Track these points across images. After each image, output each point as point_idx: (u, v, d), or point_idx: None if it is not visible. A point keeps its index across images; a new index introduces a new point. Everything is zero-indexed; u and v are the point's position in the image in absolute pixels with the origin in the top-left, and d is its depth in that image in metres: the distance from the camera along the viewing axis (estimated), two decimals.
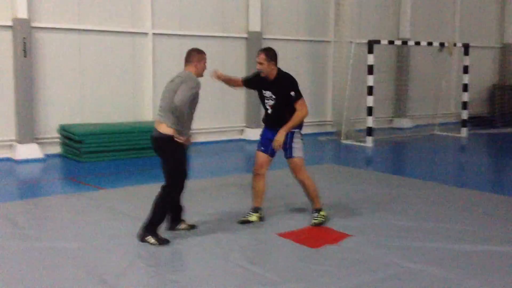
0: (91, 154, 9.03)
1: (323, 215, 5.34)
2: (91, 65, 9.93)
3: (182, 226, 5.23)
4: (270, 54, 5.25)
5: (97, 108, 10.00)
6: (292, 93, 5.20)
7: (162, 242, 4.79)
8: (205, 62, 5.33)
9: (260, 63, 5.26)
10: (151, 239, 4.80)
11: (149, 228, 4.85)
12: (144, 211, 5.85)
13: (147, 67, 10.52)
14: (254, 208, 5.55)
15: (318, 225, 5.23)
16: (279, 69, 5.36)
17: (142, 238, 4.84)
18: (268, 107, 5.41)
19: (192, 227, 5.26)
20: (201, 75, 5.26)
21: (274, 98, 5.31)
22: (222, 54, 11.51)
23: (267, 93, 5.35)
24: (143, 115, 10.54)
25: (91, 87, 9.96)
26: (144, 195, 6.65)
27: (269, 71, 5.25)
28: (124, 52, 10.28)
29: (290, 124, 5.22)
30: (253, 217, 5.50)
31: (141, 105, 10.54)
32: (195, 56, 5.28)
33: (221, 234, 5.16)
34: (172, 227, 5.19)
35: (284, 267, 4.38)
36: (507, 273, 4.31)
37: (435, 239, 5.08)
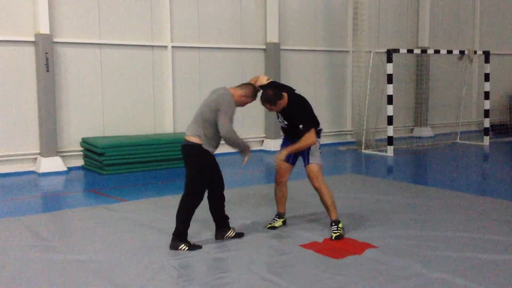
0: (112, 166, 9.12)
1: (341, 228, 5.28)
2: (112, 79, 10.06)
3: (230, 233, 5.29)
4: (272, 98, 5.22)
5: (118, 121, 10.12)
6: (301, 126, 5.18)
7: (194, 247, 4.96)
8: (247, 103, 5.37)
9: (270, 110, 5.32)
10: (182, 246, 4.95)
11: (178, 237, 4.98)
12: (166, 222, 5.91)
13: (166, 80, 10.62)
14: (279, 213, 5.75)
15: (338, 238, 5.17)
16: (289, 96, 5.36)
17: (175, 248, 4.96)
18: (283, 124, 5.54)
19: (240, 235, 5.33)
20: (238, 105, 5.27)
21: (286, 123, 5.42)
22: (240, 66, 11.58)
23: (280, 118, 5.47)
24: (163, 128, 10.63)
25: (112, 101, 10.08)
26: (165, 206, 6.72)
27: (280, 108, 5.28)
28: (144, 65, 10.40)
29: (295, 146, 5.23)
30: (279, 223, 5.71)
31: (161, 117, 10.63)
32: (249, 90, 5.27)
33: (244, 245, 5.16)
34: (220, 235, 5.28)
35: (307, 279, 4.35)
36: None
37: (459, 249, 5.01)
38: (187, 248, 4.94)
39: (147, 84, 10.47)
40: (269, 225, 5.68)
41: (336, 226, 5.21)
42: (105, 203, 7.05)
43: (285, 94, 5.30)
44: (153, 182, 8.53)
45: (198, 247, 4.99)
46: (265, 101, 5.26)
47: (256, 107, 11.74)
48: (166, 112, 10.67)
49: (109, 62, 10.03)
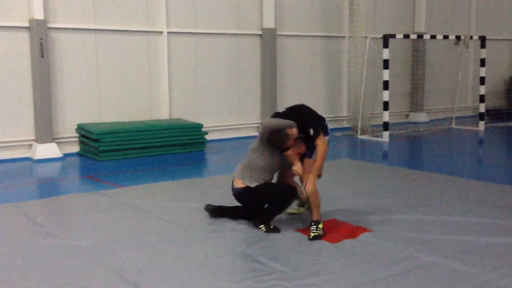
0: (108, 152, 9.12)
1: (321, 228, 5.03)
2: (107, 65, 10.02)
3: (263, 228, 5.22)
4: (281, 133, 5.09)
5: (114, 107, 10.09)
6: (311, 131, 5.10)
7: (273, 230, 5.13)
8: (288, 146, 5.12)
9: (293, 142, 5.12)
10: (262, 226, 5.15)
11: (263, 219, 5.20)
12: (163, 208, 5.94)
13: (162, 66, 10.58)
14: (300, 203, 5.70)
15: (316, 238, 4.92)
16: (302, 116, 5.33)
17: (256, 226, 5.20)
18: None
19: (276, 230, 5.22)
20: (274, 144, 5.12)
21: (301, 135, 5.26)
22: (236, 52, 11.54)
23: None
24: (159, 114, 10.61)
25: (108, 86, 10.05)
26: (162, 192, 6.74)
27: (295, 133, 5.15)
28: (139, 51, 10.35)
29: (317, 164, 5.06)
30: (301, 210, 5.72)
31: (157, 103, 10.60)
32: (287, 137, 5.07)
33: (240, 231, 5.19)
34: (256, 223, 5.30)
35: (303, 262, 4.39)
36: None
37: (454, 233, 5.05)
38: (265, 230, 5.09)
39: (143, 70, 10.42)
40: (291, 211, 5.66)
41: (315, 226, 5.00)
42: (101, 189, 7.06)
43: (289, 121, 5.14)
44: (150, 168, 8.54)
45: (276, 230, 5.10)
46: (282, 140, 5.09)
47: (252, 92, 11.81)
48: (162, 98, 10.64)
49: (105, 48, 9.97)
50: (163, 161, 9.11)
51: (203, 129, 10.21)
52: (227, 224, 5.36)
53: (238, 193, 5.24)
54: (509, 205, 6.04)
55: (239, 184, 5.21)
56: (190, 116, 10.81)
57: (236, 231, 5.16)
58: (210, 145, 10.38)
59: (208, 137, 10.34)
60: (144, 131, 9.53)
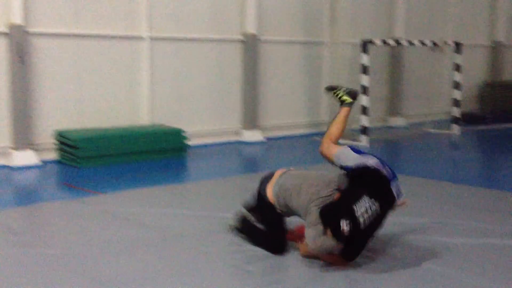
0: (87, 159, 9.05)
1: None
2: (88, 70, 9.95)
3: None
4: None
5: (94, 113, 10.02)
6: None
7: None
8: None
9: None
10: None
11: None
12: (145, 215, 5.92)
13: (143, 71, 10.55)
14: None
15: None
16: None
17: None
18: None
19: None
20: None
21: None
22: (218, 57, 11.57)
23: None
24: (140, 119, 10.58)
25: (88, 92, 9.97)
26: (142, 198, 6.71)
27: None
28: (120, 56, 10.31)
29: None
30: None
31: (138, 109, 10.56)
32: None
33: (217, 235, 5.20)
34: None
35: (277, 267, 4.44)
36: (505, 265, 4.38)
37: (430, 234, 5.15)
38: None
39: (124, 75, 10.38)
40: None
41: None
42: (80, 196, 6.98)
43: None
44: (130, 175, 8.51)
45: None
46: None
47: (233, 97, 11.85)
48: (143, 103, 10.61)
49: (85, 53, 9.90)
50: (144, 167, 9.08)
51: (184, 135, 10.22)
52: (207, 230, 5.37)
53: (262, 197, 4.76)
54: (485, 207, 6.18)
55: (270, 194, 4.68)
56: (172, 121, 10.80)
57: (214, 236, 5.17)
58: (191, 151, 10.39)
59: (189, 142, 10.35)
60: (125, 137, 9.49)
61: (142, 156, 9.56)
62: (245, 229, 4.95)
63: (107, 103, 10.19)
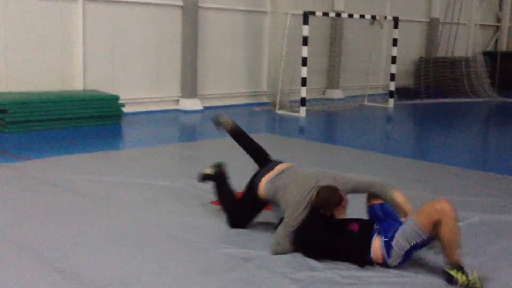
0: (17, 124, 8.66)
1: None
2: (16, 31, 9.43)
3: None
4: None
5: (24, 77, 9.56)
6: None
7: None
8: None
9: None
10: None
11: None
12: (74, 182, 5.75)
13: (76, 34, 10.12)
14: None
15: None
16: None
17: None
18: None
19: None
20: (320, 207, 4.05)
21: None
22: (156, 22, 11.26)
23: None
24: (73, 84, 10.20)
25: (18, 54, 9.48)
26: (73, 165, 6.50)
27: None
28: (52, 17, 9.82)
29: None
30: None
31: (71, 73, 10.16)
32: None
33: (153, 201, 5.15)
34: None
35: (215, 233, 4.44)
36: None
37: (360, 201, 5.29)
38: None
39: (56, 38, 9.92)
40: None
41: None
42: (8, 161, 6.69)
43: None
44: (61, 141, 8.22)
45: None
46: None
47: (172, 65, 11.62)
48: (76, 68, 10.21)
49: (14, 13, 9.37)
50: (77, 133, 8.79)
51: (120, 101, 9.94)
52: (145, 199, 5.29)
53: (252, 189, 4.52)
54: (416, 177, 6.41)
55: (262, 188, 4.42)
56: (106, 87, 10.47)
57: (151, 205, 5.12)
58: (127, 118, 10.15)
59: (125, 109, 10.09)
60: (56, 102, 9.13)
61: (75, 122, 9.26)
62: (218, 182, 4.78)
63: (38, 66, 9.74)
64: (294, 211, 4.03)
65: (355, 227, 3.89)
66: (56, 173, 6.06)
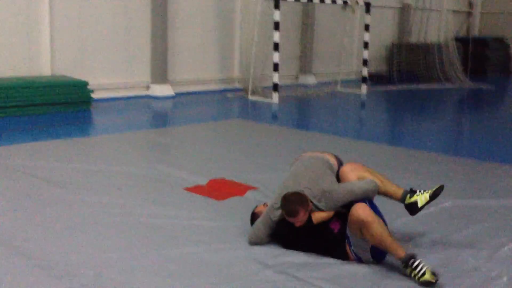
0: None
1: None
2: None
3: None
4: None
5: None
6: None
7: None
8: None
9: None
10: None
11: None
12: (41, 168, 5.60)
13: (43, 19, 9.81)
14: None
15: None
16: None
17: None
18: None
19: None
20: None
21: None
22: (126, 7, 11.01)
23: None
24: (40, 70, 9.92)
25: None
26: (40, 151, 6.35)
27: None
28: (18, 3, 9.50)
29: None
30: None
31: (38, 58, 9.87)
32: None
33: (126, 189, 5.05)
34: None
35: (190, 219, 4.37)
36: (404, 217, 4.56)
37: None
38: None
39: (22, 23, 9.61)
40: None
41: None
42: None
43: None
44: (28, 128, 8.00)
45: None
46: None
47: (142, 50, 11.41)
48: (44, 53, 9.93)
49: None
50: (45, 120, 8.57)
51: (89, 87, 9.72)
52: (114, 185, 5.19)
53: None
54: (389, 163, 6.42)
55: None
56: (75, 73, 10.22)
57: (123, 191, 5.01)
58: (97, 104, 9.94)
59: (94, 95, 9.87)
60: (24, 88, 8.87)
61: (42, 108, 9.02)
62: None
63: (4, 52, 9.43)
64: (272, 202, 3.98)
65: (335, 226, 3.79)
66: (24, 160, 5.91)
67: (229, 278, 3.41)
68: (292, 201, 3.75)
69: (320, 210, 3.83)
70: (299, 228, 3.79)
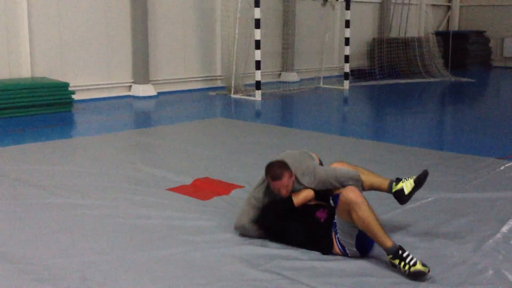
0: None
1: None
2: None
3: None
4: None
5: None
6: None
7: None
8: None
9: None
10: None
11: None
12: (22, 171, 5.51)
13: (22, 21, 9.66)
14: None
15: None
16: None
17: None
18: None
19: None
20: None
21: None
22: (106, 7, 10.90)
23: None
24: (19, 72, 9.78)
25: None
26: (22, 154, 6.26)
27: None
28: None
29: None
30: None
31: (17, 60, 9.74)
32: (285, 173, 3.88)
33: (110, 190, 5.00)
34: None
35: (174, 220, 4.34)
36: (389, 211, 4.58)
37: None
38: None
39: (0, 24, 9.48)
40: None
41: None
42: None
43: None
44: (9, 130, 7.88)
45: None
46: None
47: (123, 50, 11.30)
48: (23, 55, 9.79)
49: None
50: (26, 122, 8.46)
51: (70, 89, 9.60)
52: (100, 186, 5.13)
53: None
54: (373, 158, 6.44)
55: None
56: (56, 74, 10.10)
57: (107, 192, 4.96)
58: (78, 106, 9.83)
59: (76, 97, 9.76)
60: (3, 90, 8.75)
61: (23, 111, 8.91)
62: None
63: None
64: (258, 184, 4.04)
65: (322, 215, 3.80)
66: (5, 164, 5.82)
67: (217, 279, 3.38)
68: (277, 165, 3.88)
69: (301, 188, 3.89)
70: (285, 215, 3.81)
